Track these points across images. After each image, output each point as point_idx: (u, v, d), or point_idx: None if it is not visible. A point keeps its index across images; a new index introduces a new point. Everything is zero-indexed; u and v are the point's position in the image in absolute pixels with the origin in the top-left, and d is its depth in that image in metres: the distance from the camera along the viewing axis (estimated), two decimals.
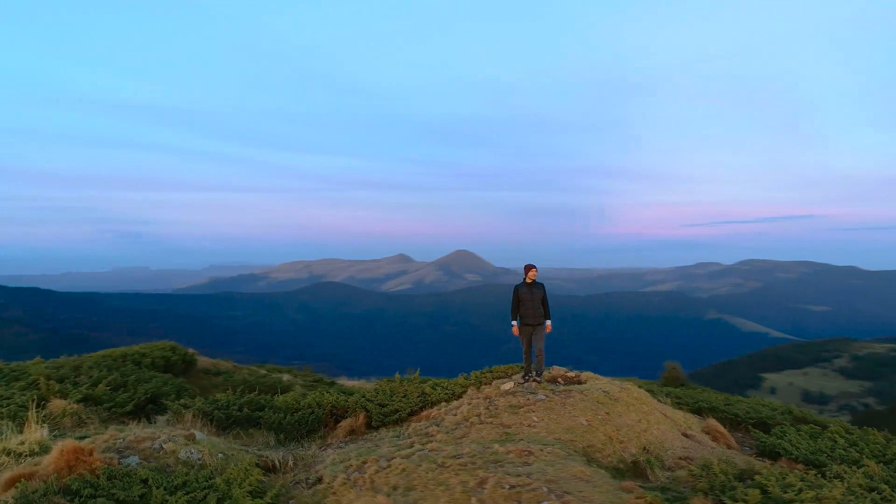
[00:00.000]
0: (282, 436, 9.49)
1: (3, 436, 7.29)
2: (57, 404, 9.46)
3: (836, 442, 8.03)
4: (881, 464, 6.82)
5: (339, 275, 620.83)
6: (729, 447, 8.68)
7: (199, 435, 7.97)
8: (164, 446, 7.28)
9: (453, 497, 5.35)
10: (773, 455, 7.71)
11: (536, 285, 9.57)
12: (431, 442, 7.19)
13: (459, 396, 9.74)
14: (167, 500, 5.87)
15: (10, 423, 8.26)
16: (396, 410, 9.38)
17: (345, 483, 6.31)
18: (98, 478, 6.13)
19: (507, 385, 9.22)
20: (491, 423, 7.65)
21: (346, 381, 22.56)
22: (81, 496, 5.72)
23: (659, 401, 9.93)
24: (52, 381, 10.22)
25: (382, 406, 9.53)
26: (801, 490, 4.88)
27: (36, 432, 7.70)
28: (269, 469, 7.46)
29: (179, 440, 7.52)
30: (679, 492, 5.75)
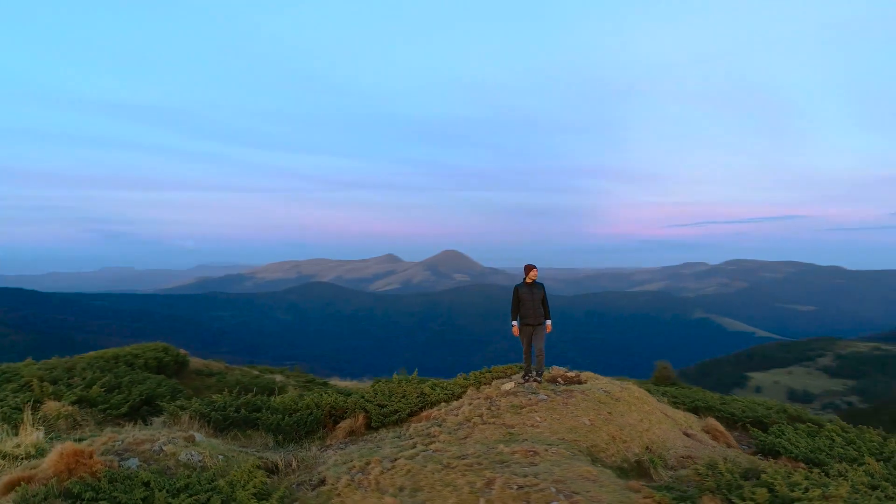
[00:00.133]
0: (280, 437, 9.43)
1: None
2: (51, 406, 9.32)
3: (833, 440, 8.12)
4: (880, 461, 6.91)
5: (327, 275, 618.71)
6: (729, 446, 8.75)
7: (198, 437, 7.90)
8: (164, 448, 7.20)
9: (461, 498, 5.34)
10: (772, 453, 7.78)
11: (536, 285, 9.57)
12: (435, 443, 7.17)
13: (459, 397, 9.73)
14: (170, 503, 5.82)
15: (4, 425, 8.15)
16: (396, 411, 9.36)
17: (349, 484, 6.27)
18: (99, 481, 6.06)
19: (508, 385, 9.21)
20: (494, 423, 7.64)
21: (338, 382, 22.47)
22: (83, 500, 5.65)
23: (657, 400, 9.98)
24: (45, 383, 10.07)
25: (382, 407, 9.50)
26: (807, 489, 4.93)
27: (31, 435, 7.60)
28: (271, 471, 7.41)
29: (179, 442, 7.44)
30: (684, 491, 5.78)
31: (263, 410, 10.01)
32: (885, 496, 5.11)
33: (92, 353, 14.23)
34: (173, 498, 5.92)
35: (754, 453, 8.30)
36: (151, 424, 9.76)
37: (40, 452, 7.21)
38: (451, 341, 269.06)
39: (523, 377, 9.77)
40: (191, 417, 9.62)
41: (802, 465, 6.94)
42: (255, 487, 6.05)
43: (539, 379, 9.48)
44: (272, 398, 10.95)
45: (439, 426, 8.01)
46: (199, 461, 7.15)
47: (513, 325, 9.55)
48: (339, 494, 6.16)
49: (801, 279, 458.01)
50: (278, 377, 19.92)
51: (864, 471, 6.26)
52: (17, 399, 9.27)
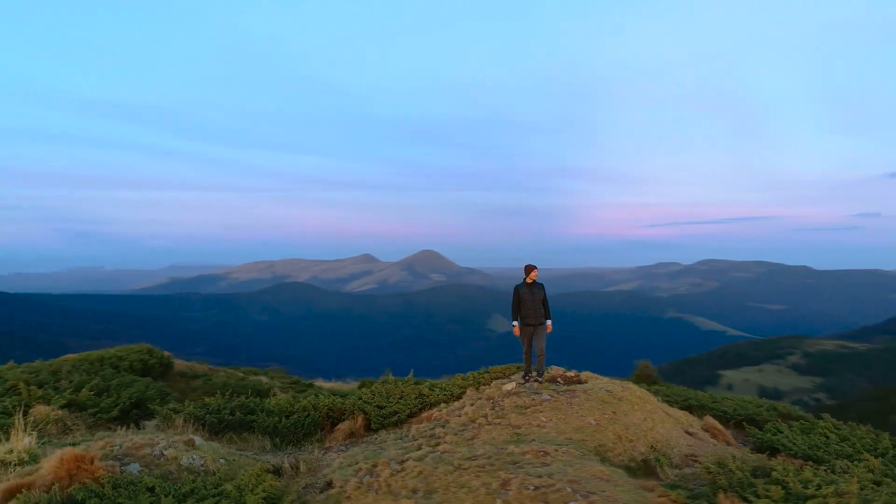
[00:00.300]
0: (277, 439, 9.30)
1: None
2: (40, 410, 9.06)
3: (828, 437, 8.31)
4: (878, 458, 7.10)
5: (302, 275, 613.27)
6: (728, 444, 8.89)
7: (198, 440, 7.76)
8: (165, 453, 7.06)
9: (478, 499, 5.32)
10: (771, 451, 7.92)
11: (537, 285, 9.60)
12: (442, 444, 7.14)
13: (459, 397, 9.72)
14: None
15: None
16: (395, 412, 9.30)
17: (358, 487, 6.21)
18: (103, 487, 5.91)
19: (509, 386, 9.22)
20: (499, 423, 7.64)
21: (323, 383, 22.27)
22: None
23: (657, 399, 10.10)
24: (32, 387, 9.79)
25: (381, 408, 9.44)
26: (819, 485, 5.03)
27: (23, 440, 7.38)
28: (273, 474, 7.31)
29: (180, 446, 7.30)
30: (698, 489, 5.86)
31: (258, 413, 9.87)
32: (891, 492, 5.25)
33: (76, 355, 13.89)
34: (180, 503, 5.81)
35: (752, 451, 8.44)
36: (144, 428, 9.56)
37: (33, 458, 7.01)
38: (429, 341, 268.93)
39: (523, 377, 9.79)
40: (185, 421, 9.45)
41: (801, 461, 7.08)
42: (264, 491, 5.94)
43: (540, 379, 9.50)
44: (266, 400, 10.81)
45: (443, 427, 7.98)
46: (201, 465, 7.02)
47: (513, 326, 9.55)
48: (348, 497, 6.10)
49: (770, 279, 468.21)
50: (263, 379, 19.70)
51: (864, 467, 6.41)
52: (4, 403, 8.99)
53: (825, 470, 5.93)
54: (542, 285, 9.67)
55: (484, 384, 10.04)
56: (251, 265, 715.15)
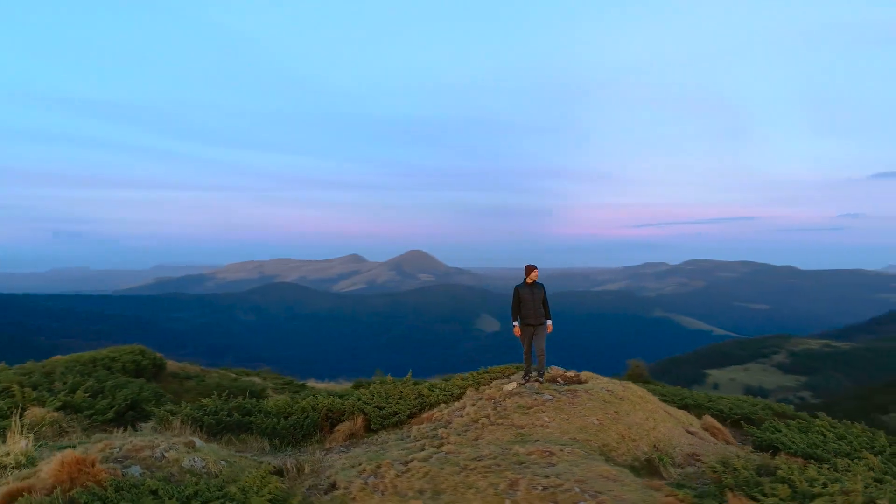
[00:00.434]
0: (276, 441, 9.25)
1: None
2: (35, 413, 8.94)
3: (825, 436, 8.40)
4: (878, 456, 7.19)
5: (290, 275, 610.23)
6: (727, 443, 8.97)
7: (198, 442, 7.69)
8: (166, 455, 6.99)
9: (486, 500, 5.32)
10: (771, 449, 8.00)
11: (537, 286, 9.61)
12: (445, 445, 7.13)
13: (459, 398, 9.71)
14: None
15: None
16: (395, 413, 9.28)
17: (363, 488, 6.18)
18: (105, 490, 5.84)
19: (510, 386, 9.23)
20: (502, 424, 7.65)
21: (316, 384, 22.16)
22: None
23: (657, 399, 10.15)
24: (27, 389, 9.65)
25: (380, 409, 9.41)
26: (825, 484, 5.09)
27: (19, 443, 7.28)
28: (275, 475, 7.26)
29: (181, 448, 7.23)
30: (696, 488, 5.90)
31: (256, 414, 9.80)
32: (894, 489, 5.31)
33: (67, 356, 13.72)
34: None
35: (752, 450, 8.52)
36: (140, 430, 9.46)
37: (31, 461, 6.92)
38: (417, 341, 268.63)
39: (524, 377, 9.81)
40: (182, 422, 9.36)
41: (801, 460, 7.15)
42: (269, 493, 5.90)
43: (541, 379, 9.52)
44: (263, 402, 10.74)
45: (445, 428, 7.97)
46: (203, 467, 6.96)
47: (514, 326, 9.56)
48: (354, 499, 6.07)
49: (755, 279, 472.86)
50: (256, 379, 19.56)
51: (864, 464, 6.50)
52: None
53: (828, 468, 6.00)
54: (542, 285, 9.69)
55: (484, 384, 10.04)
56: (239, 265, 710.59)
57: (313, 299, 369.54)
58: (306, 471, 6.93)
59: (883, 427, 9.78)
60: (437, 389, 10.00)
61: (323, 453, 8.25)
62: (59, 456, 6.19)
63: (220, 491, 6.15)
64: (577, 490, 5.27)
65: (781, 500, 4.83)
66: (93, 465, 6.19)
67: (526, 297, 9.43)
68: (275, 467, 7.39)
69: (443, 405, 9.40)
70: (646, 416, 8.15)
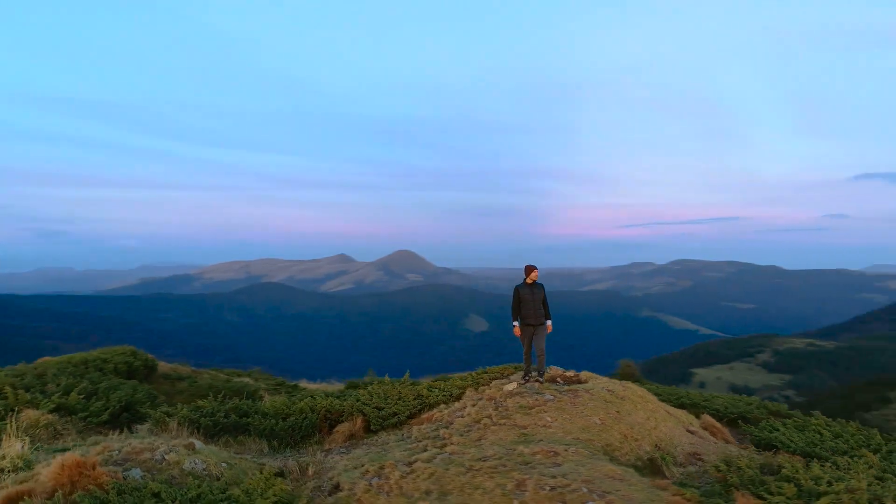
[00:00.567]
0: (275, 442, 9.18)
1: None
2: (29, 415, 8.80)
3: (821, 434, 8.49)
4: (877, 454, 7.28)
5: (277, 275, 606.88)
6: (726, 442, 9.04)
7: (198, 444, 7.61)
8: (167, 457, 6.92)
9: (494, 500, 5.32)
10: (769, 448, 8.07)
11: (537, 286, 9.63)
12: (449, 445, 7.12)
13: (458, 398, 9.70)
14: None
15: None
16: (395, 413, 9.25)
17: (368, 490, 6.15)
18: (107, 493, 5.77)
19: (510, 386, 9.24)
20: (504, 424, 7.65)
21: (308, 385, 22.06)
22: None
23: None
24: (20, 391, 9.50)
25: (379, 409, 9.37)
26: (830, 482, 5.14)
27: (15, 446, 7.17)
28: (277, 477, 7.21)
29: (181, 450, 7.16)
30: (699, 487, 5.93)
31: (253, 415, 9.73)
32: None
33: (57, 357, 13.55)
34: None
35: (749, 448, 8.59)
36: (136, 432, 9.36)
37: (28, 465, 6.81)
38: (405, 341, 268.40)
39: (523, 377, 9.82)
40: (179, 424, 9.27)
41: (800, 458, 7.22)
42: (275, 496, 5.85)
43: (541, 379, 9.54)
44: (258, 403, 10.67)
45: (447, 428, 7.96)
46: (204, 470, 6.90)
47: (514, 326, 9.56)
48: (359, 501, 6.03)
49: (741, 278, 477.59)
50: (248, 380, 19.43)
51: (864, 462, 6.58)
52: None
53: (830, 466, 6.06)
54: (542, 285, 9.71)
55: (483, 385, 10.03)
56: (225, 265, 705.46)
57: (301, 299, 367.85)
58: (310, 473, 6.87)
59: (867, 425, 9.91)
60: (437, 390, 9.98)
61: (323, 454, 8.20)
62: (58, 459, 6.10)
63: (223, 493, 6.10)
64: (585, 490, 5.29)
65: (788, 498, 4.87)
66: (93, 468, 6.11)
67: (526, 297, 9.44)
68: (278, 469, 7.34)
69: (442, 405, 9.38)
70: (647, 415, 8.19)
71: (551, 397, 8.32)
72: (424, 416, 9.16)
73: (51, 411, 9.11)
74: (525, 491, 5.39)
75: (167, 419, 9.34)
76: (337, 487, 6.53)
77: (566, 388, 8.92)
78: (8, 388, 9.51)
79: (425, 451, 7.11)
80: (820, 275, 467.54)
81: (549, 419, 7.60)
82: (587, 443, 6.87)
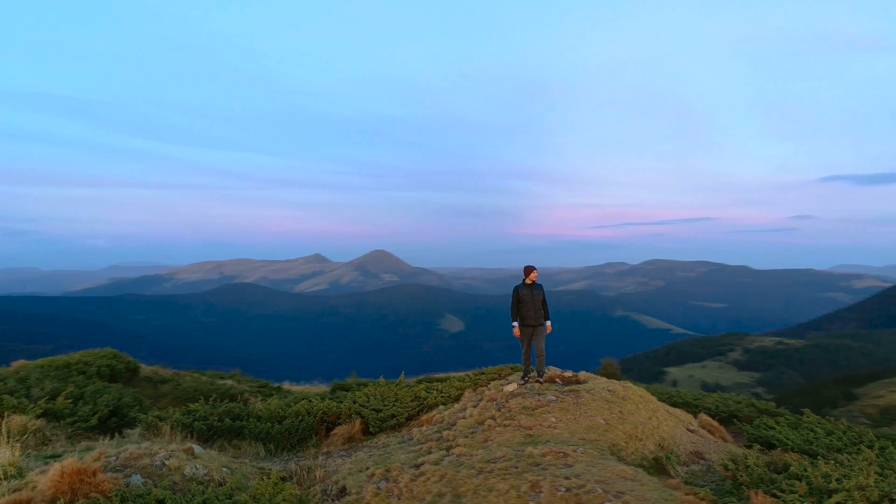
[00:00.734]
0: (271, 446, 9.03)
1: None
2: (16, 421, 8.50)
3: (814, 431, 8.66)
4: (873, 450, 7.45)
5: (251, 275, 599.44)
6: (725, 440, 9.17)
7: (197, 449, 7.46)
8: (167, 463, 6.76)
9: (510, 503, 5.30)
10: (767, 446, 8.20)
11: (536, 286, 9.63)
12: (455, 447, 7.06)
13: (457, 399, 9.66)
14: None
15: None
16: (393, 415, 9.16)
17: (377, 493, 6.07)
18: (110, 501, 5.62)
19: (510, 387, 9.22)
20: (509, 425, 7.63)
21: (291, 387, 21.82)
22: None
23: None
24: (4, 395, 9.17)
25: (378, 411, 9.28)
26: (839, 479, 5.23)
27: (5, 453, 6.93)
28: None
29: (181, 455, 7.00)
30: (704, 485, 5.99)
31: (248, 418, 9.56)
32: None
33: (38, 360, 13.14)
34: None
35: (746, 446, 8.73)
36: (127, 437, 9.13)
37: (19, 472, 6.59)
38: (381, 342, 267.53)
39: (522, 378, 9.82)
40: (172, 428, 9.06)
41: (797, 455, 7.34)
42: (284, 501, 5.74)
43: (540, 380, 9.54)
44: (250, 405, 10.49)
45: (450, 430, 7.92)
46: (205, 475, 6.76)
47: (513, 326, 9.54)
48: None
49: (712, 278, 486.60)
50: (230, 382, 19.13)
51: (863, 459, 6.72)
52: None
53: (834, 464, 6.18)
54: (541, 286, 9.71)
55: (481, 385, 10.00)
56: (197, 265, 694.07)
57: (275, 300, 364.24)
58: (319, 476, 6.77)
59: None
60: (435, 391, 9.92)
61: (323, 458, 8.09)
62: (58, 466, 5.92)
63: (229, 499, 5.98)
64: (600, 491, 5.29)
65: (801, 496, 4.94)
66: (94, 475, 5.95)
67: (525, 298, 9.43)
68: (268, 472, 7.22)
69: (441, 407, 9.33)
70: (649, 415, 8.25)
71: (553, 398, 8.33)
72: (424, 417, 9.10)
73: (38, 416, 8.82)
74: (540, 492, 5.38)
75: (159, 423, 9.13)
76: (343, 491, 6.44)
77: (567, 388, 8.95)
78: None
79: (430, 453, 7.06)
80: (788, 275, 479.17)
81: (553, 420, 7.61)
82: (594, 443, 6.89)
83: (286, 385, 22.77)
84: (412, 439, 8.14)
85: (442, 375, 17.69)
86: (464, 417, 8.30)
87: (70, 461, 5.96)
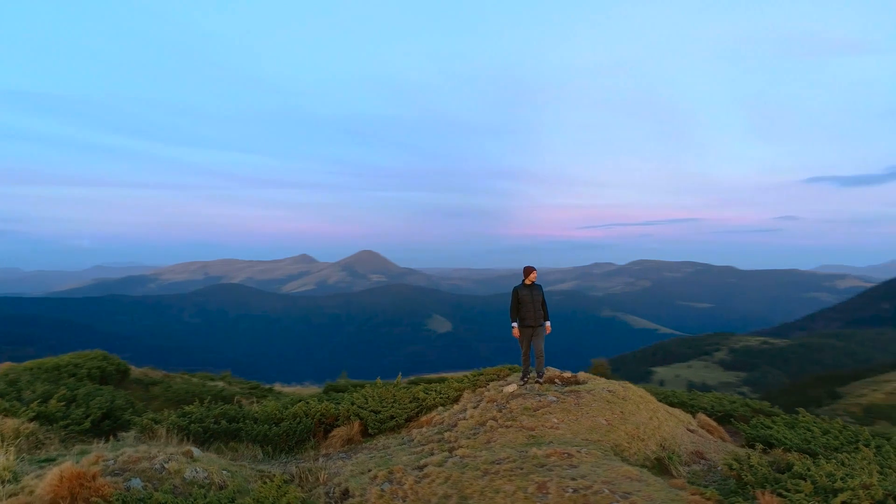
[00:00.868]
0: (269, 448, 8.95)
1: None
2: (8, 424, 8.35)
3: (811, 431, 8.74)
4: (871, 449, 7.52)
5: (237, 276, 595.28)
6: (723, 440, 9.22)
7: (196, 452, 7.37)
8: (167, 466, 6.66)
9: None
10: (765, 445, 8.25)
11: (536, 287, 9.64)
12: (458, 448, 7.04)
13: (456, 400, 9.63)
14: None
15: None
16: (392, 417, 9.12)
17: (381, 496, 6.03)
18: None
19: (510, 388, 9.21)
20: (511, 426, 7.61)
21: (282, 388, 21.68)
22: None
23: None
24: None
25: (376, 413, 9.22)
26: (844, 478, 5.27)
27: (0, 457, 6.80)
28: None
29: (180, 458, 6.90)
30: (705, 485, 6.01)
31: (244, 421, 9.47)
32: None
33: (27, 362, 12.92)
34: None
35: (744, 445, 8.79)
36: (122, 440, 9.00)
37: (14, 477, 6.48)
38: (369, 342, 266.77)
39: (522, 379, 9.81)
40: (168, 430, 8.95)
41: (796, 455, 7.40)
42: None
43: (540, 380, 9.55)
44: (245, 407, 10.40)
45: (451, 431, 7.89)
46: (206, 478, 6.67)
47: (513, 327, 9.54)
48: None
49: (698, 278, 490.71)
50: (221, 384, 18.96)
51: (862, 458, 6.79)
52: None
53: (836, 463, 6.23)
54: (540, 287, 9.72)
55: (480, 386, 9.99)
56: (183, 266, 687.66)
57: (261, 300, 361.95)
58: (323, 478, 6.70)
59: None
60: (433, 392, 9.88)
61: (323, 460, 8.02)
62: (56, 470, 5.82)
63: (232, 503, 5.90)
64: (607, 491, 5.29)
65: (807, 496, 4.97)
66: (94, 479, 5.85)
67: (525, 299, 9.43)
68: (267, 475, 7.15)
69: (440, 408, 9.29)
70: (649, 415, 8.28)
71: (554, 399, 8.33)
72: (423, 419, 9.06)
73: (31, 420, 8.66)
74: (548, 493, 5.36)
75: (155, 426, 9.02)
76: (346, 493, 6.38)
77: (567, 389, 8.95)
78: None
79: (433, 454, 7.02)
80: (773, 275, 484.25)
81: (555, 420, 7.61)
82: (597, 444, 6.90)
83: (277, 386, 22.62)
84: (413, 441, 8.10)
85: (434, 376, 17.65)
86: (464, 419, 8.27)
87: (68, 465, 5.86)
